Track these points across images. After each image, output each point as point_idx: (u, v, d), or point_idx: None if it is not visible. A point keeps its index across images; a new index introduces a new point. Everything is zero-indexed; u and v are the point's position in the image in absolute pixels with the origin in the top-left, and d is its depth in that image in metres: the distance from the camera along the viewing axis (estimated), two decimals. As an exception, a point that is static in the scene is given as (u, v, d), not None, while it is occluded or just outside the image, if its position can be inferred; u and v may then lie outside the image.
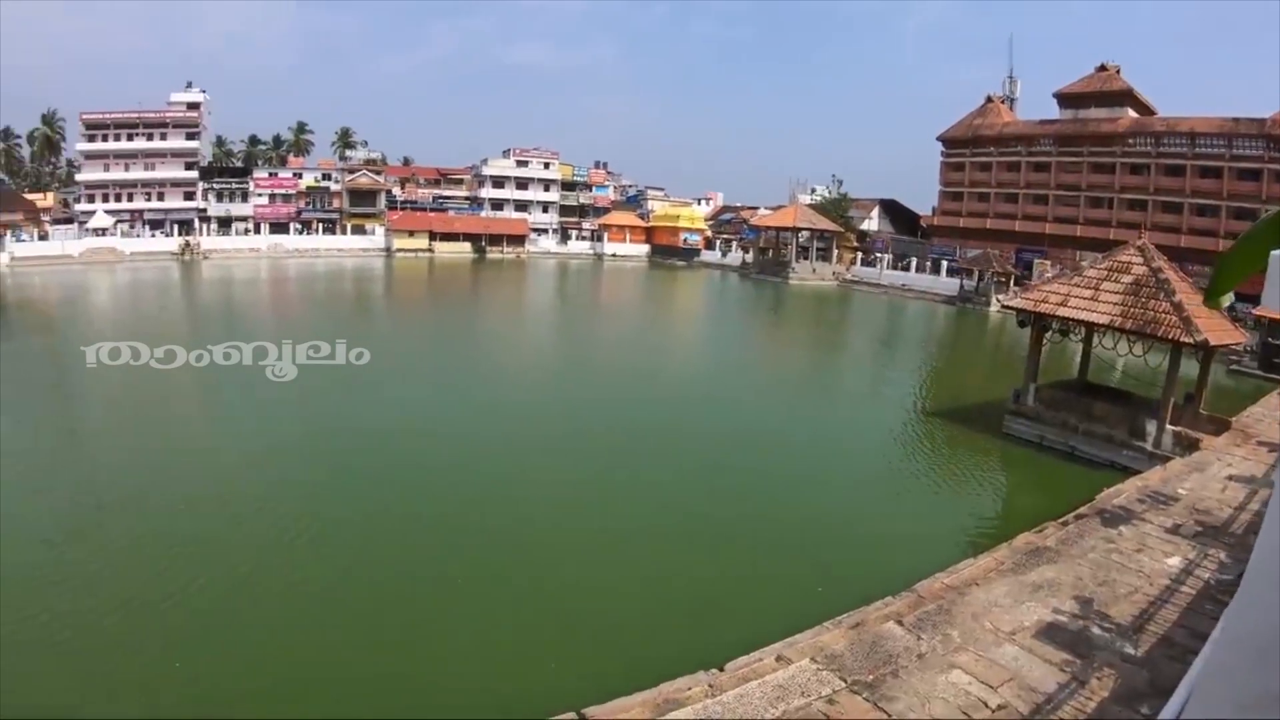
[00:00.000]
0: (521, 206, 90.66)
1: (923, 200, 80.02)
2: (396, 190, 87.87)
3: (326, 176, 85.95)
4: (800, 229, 69.40)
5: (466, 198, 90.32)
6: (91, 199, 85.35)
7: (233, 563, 12.46)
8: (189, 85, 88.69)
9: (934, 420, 23.83)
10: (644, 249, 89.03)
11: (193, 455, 18.21)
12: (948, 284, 59.36)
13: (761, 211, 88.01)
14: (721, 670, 7.00)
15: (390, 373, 26.32)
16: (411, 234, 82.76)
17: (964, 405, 24.70)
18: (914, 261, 65.69)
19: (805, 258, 70.22)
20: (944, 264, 61.72)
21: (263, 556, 12.74)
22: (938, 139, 72.33)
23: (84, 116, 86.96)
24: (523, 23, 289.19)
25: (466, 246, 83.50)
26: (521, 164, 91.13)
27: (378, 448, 18.53)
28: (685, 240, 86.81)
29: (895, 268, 66.42)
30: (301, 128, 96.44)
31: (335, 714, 8.92)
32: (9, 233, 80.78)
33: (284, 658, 10.03)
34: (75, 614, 10.77)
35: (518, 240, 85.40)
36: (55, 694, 9.12)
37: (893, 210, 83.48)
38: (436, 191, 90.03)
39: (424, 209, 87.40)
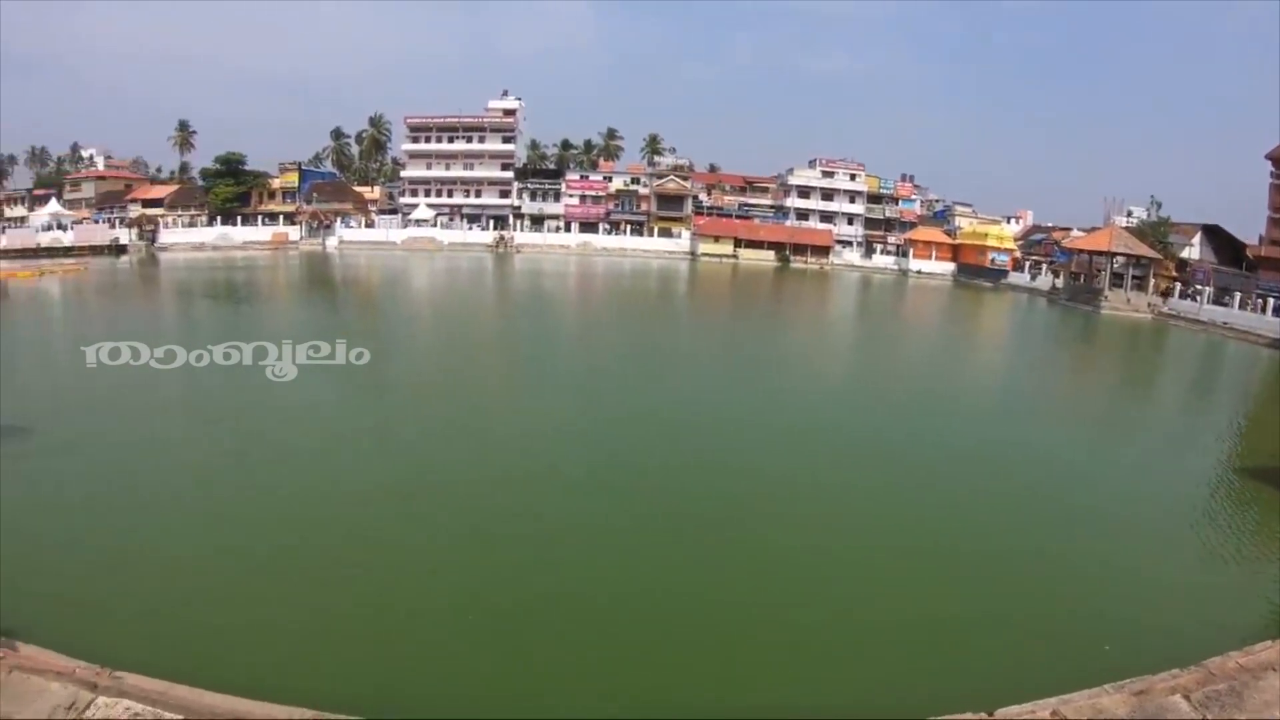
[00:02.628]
0: (826, 218, 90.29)
1: (1249, 227, 71.49)
2: (703, 196, 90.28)
3: (635, 180, 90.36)
4: (1115, 254, 63.66)
5: (771, 206, 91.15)
6: (414, 193, 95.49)
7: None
8: (505, 93, 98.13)
9: (1247, 479, 20.69)
10: (949, 267, 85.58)
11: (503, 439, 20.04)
12: (1274, 324, 51.18)
13: (1074, 233, 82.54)
14: (991, 716, 7.06)
15: (692, 369, 28.94)
16: (716, 239, 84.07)
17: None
18: (1238, 296, 57.44)
19: (1119, 285, 63.99)
20: (1270, 301, 53.30)
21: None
22: (1266, 157, 64.37)
23: (408, 120, 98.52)
24: (824, 31, 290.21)
25: (770, 255, 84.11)
26: (827, 174, 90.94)
27: (679, 443, 19.65)
28: (993, 260, 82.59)
29: (1216, 302, 58.60)
30: (612, 133, 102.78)
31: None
32: (339, 219, 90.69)
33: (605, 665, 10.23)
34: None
35: (822, 251, 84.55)
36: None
37: (1216, 237, 75.38)
38: (742, 199, 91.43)
39: (729, 215, 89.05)
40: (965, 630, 10.97)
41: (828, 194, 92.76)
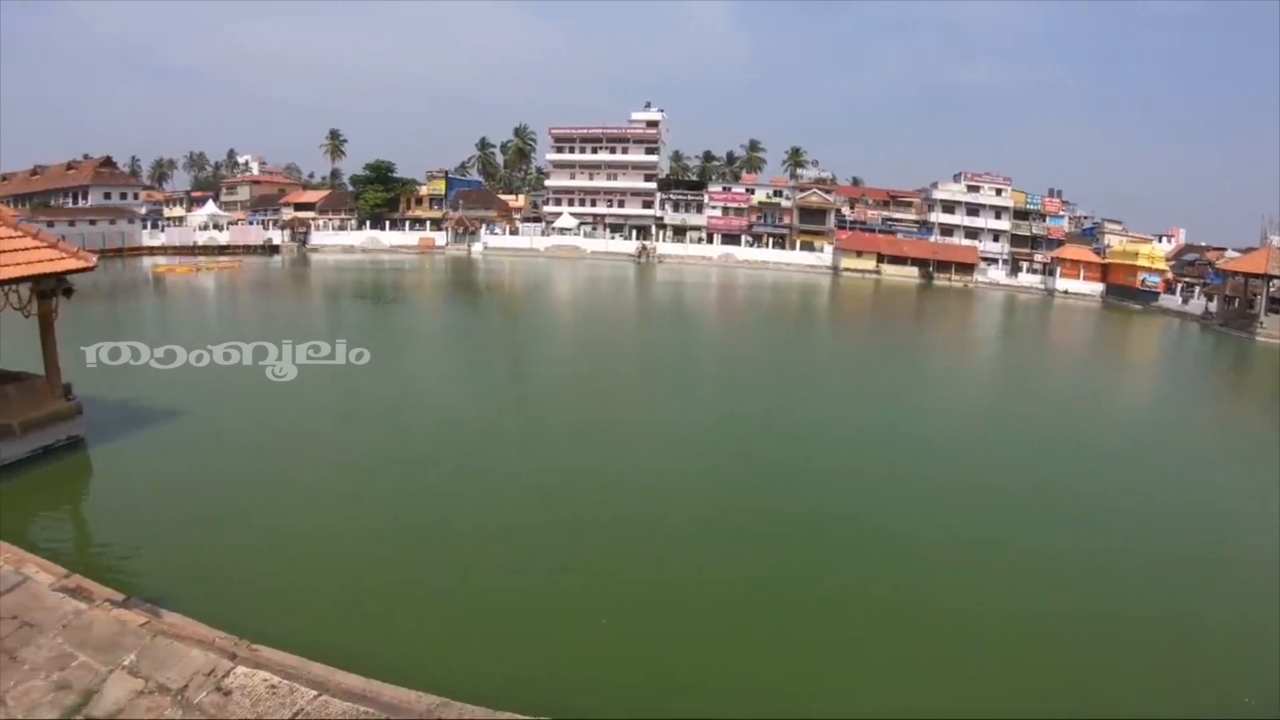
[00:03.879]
0: (971, 234, 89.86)
1: None
2: (846, 210, 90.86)
3: (778, 193, 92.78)
4: (1272, 276, 61.35)
5: (915, 221, 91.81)
6: (558, 202, 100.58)
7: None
8: (648, 104, 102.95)
9: None
10: (1097, 288, 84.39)
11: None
12: None
13: (1229, 254, 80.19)
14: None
15: (833, 387, 29.44)
16: (859, 254, 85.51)
17: None
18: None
19: (1277, 310, 61.65)
20: None
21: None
22: None
23: (553, 130, 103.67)
24: (970, 40, 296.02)
25: (913, 271, 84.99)
26: (972, 189, 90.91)
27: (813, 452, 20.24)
28: (1143, 281, 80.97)
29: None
30: (754, 145, 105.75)
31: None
32: (484, 226, 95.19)
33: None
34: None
35: (966, 269, 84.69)
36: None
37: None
38: (885, 213, 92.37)
39: (872, 230, 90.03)
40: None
41: (973, 209, 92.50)
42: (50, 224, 69.16)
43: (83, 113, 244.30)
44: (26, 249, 17.05)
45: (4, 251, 16.47)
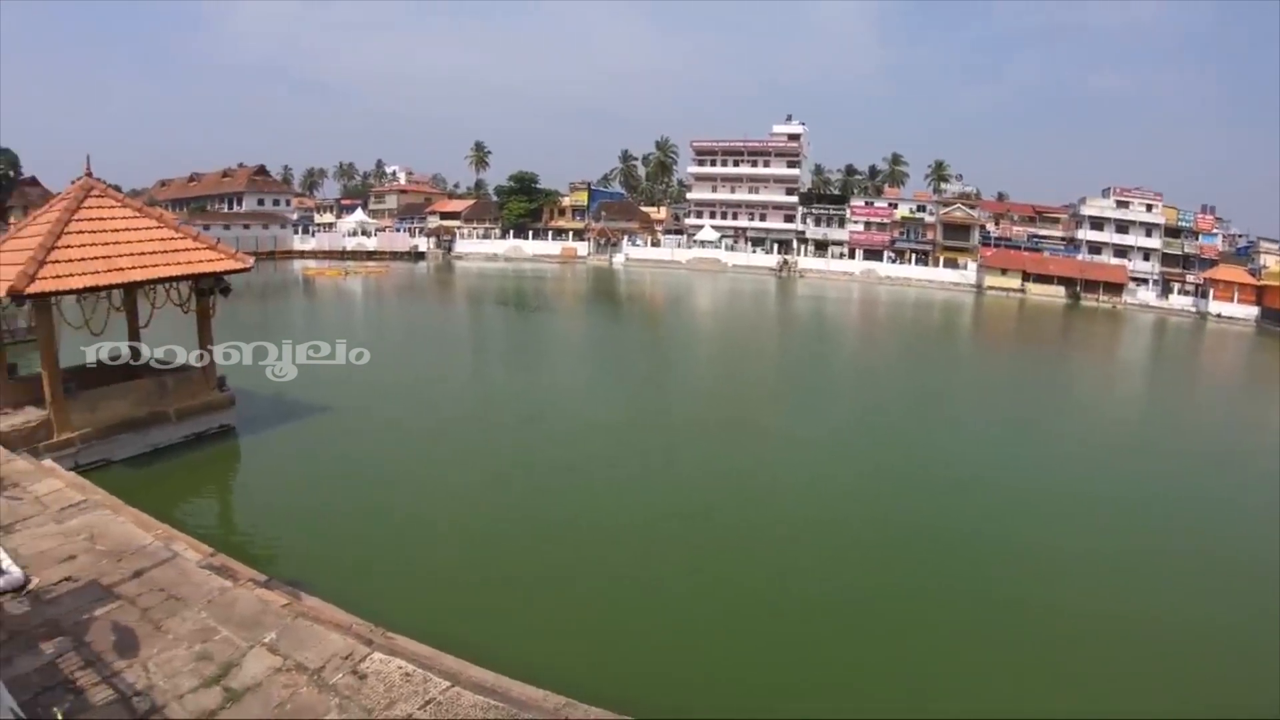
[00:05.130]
0: (1120, 252, 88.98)
1: None
2: (990, 226, 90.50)
3: (921, 208, 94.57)
4: None
5: (1062, 238, 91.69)
6: (699, 215, 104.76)
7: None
8: (789, 118, 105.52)
9: None
10: (1252, 311, 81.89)
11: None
12: None
13: None
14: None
15: (973, 413, 28.90)
16: (1004, 272, 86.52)
17: None
18: None
19: None
20: None
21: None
22: None
23: (694, 144, 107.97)
24: (1114, 46, 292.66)
25: (1059, 290, 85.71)
26: (1121, 205, 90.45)
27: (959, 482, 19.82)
28: None
29: None
30: (896, 159, 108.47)
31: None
32: (626, 237, 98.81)
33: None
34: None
35: (1114, 289, 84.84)
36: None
37: None
38: (1031, 229, 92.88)
39: (1017, 247, 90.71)
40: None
41: (1122, 226, 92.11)
42: (206, 227, 76.58)
43: (237, 124, 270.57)
44: (188, 249, 18.73)
45: (167, 251, 18.25)
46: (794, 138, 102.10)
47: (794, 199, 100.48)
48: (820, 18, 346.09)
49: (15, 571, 9.00)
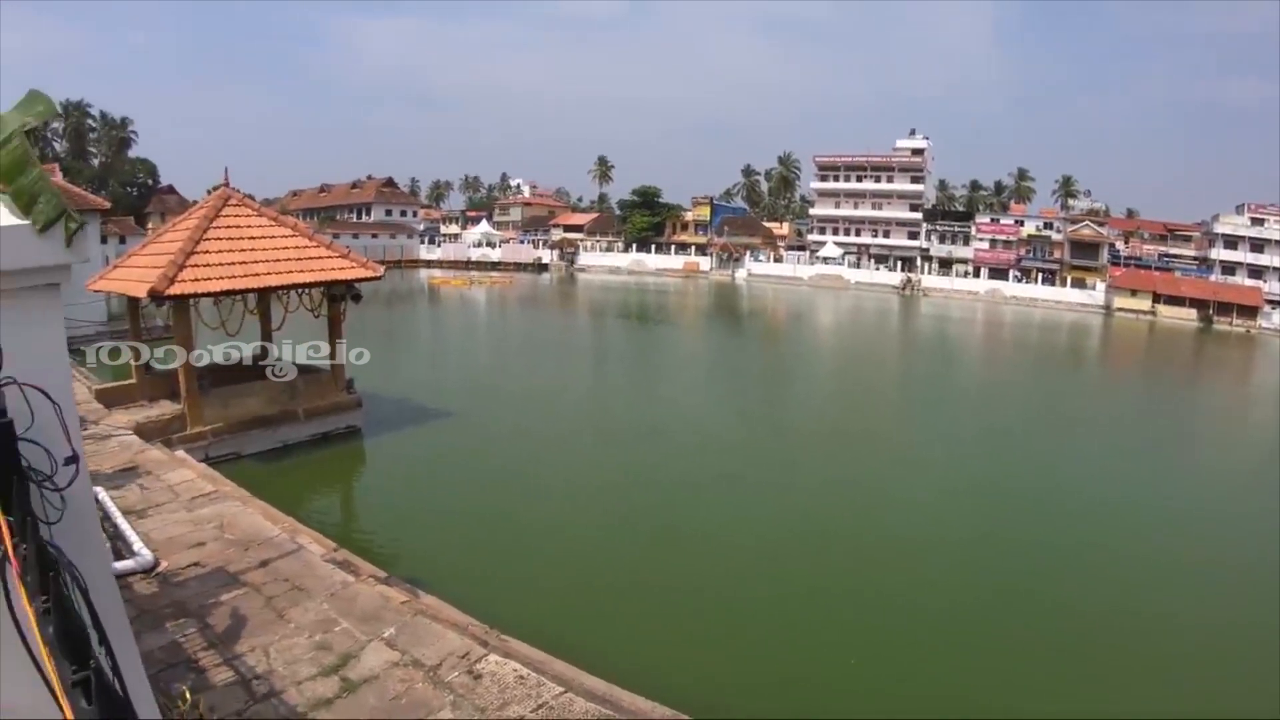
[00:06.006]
0: (1255, 272, 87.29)
1: None
2: (1119, 244, 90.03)
3: (1048, 225, 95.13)
4: None
5: (1194, 257, 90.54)
6: (822, 231, 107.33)
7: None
8: (912, 132, 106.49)
9: None
10: None
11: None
12: None
13: None
14: None
15: (1100, 443, 27.11)
16: (1133, 293, 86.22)
17: None
18: None
19: None
20: None
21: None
22: None
23: (817, 159, 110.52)
24: (1245, 55, 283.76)
25: (1191, 313, 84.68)
26: (1256, 222, 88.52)
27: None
28: None
29: None
30: (1022, 174, 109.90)
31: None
32: (748, 253, 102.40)
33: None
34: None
35: (1248, 312, 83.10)
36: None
37: None
38: (1161, 248, 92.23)
39: (1147, 266, 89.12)
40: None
41: (1257, 244, 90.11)
42: (336, 236, 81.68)
43: (365, 137, 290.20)
44: (322, 257, 19.51)
45: (302, 259, 19.03)
46: (918, 152, 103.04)
47: (918, 215, 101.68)
48: (940, 28, 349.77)
49: (146, 554, 9.52)
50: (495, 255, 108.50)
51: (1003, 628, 12.48)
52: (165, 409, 18.19)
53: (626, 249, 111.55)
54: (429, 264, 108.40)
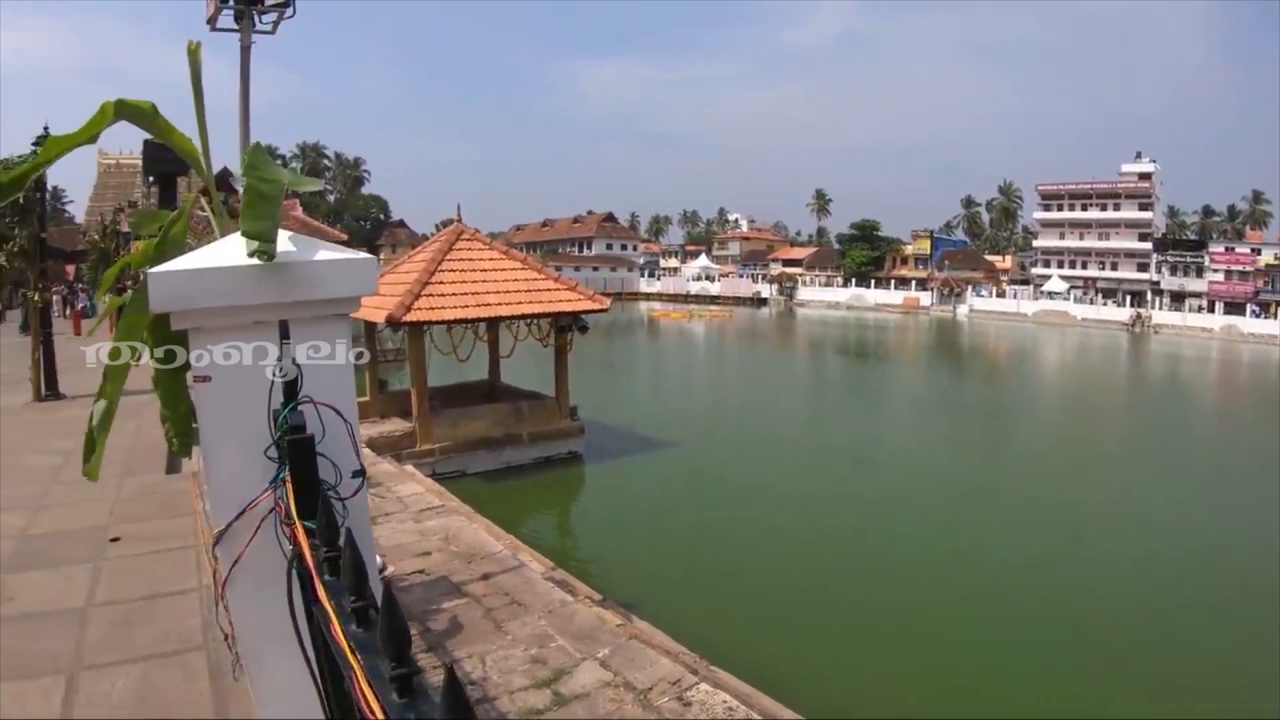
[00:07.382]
0: None
1: None
2: None
3: None
4: None
5: None
6: (1046, 264, 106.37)
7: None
8: (1138, 155, 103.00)
9: None
10: None
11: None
12: None
13: None
14: None
15: None
16: (1374, 328, 79.32)
17: None
18: None
19: None
20: None
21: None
22: None
23: (1039, 188, 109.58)
24: None
25: None
26: None
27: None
28: None
29: None
30: (1257, 196, 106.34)
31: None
32: (970, 288, 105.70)
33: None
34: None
35: None
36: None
37: None
38: None
39: None
40: None
41: None
42: (559, 269, 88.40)
43: (586, 173, 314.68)
44: (550, 290, 20.46)
45: (531, 291, 19.97)
46: (1144, 177, 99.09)
47: (1147, 245, 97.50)
48: (1160, 42, 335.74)
49: (376, 558, 9.96)
50: (714, 289, 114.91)
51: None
52: (397, 425, 19.49)
53: (845, 283, 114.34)
54: (648, 297, 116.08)
